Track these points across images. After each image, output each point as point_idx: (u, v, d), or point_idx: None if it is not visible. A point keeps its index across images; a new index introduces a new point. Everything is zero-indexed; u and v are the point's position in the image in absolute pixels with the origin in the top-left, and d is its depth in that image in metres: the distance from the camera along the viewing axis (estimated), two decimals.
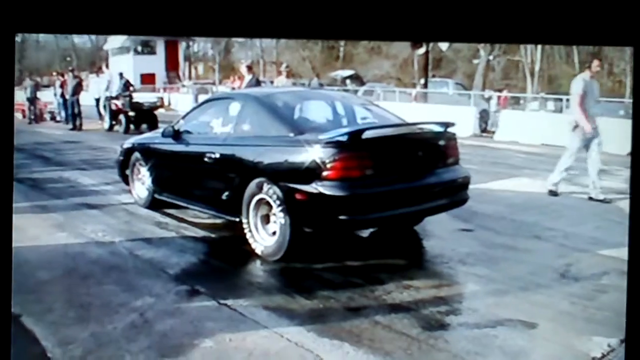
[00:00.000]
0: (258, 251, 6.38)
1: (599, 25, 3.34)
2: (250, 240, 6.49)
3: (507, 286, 5.69)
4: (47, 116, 21.54)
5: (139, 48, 32.14)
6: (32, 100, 20.70)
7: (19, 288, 5.61)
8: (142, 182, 8.47)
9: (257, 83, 15.51)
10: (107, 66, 20.45)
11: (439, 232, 7.42)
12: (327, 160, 5.88)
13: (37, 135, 17.21)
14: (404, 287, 5.58)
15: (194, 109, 8.31)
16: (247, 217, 6.51)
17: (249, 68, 16.09)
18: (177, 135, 7.72)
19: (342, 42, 40.12)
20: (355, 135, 6.02)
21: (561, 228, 7.60)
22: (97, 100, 19.40)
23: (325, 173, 5.87)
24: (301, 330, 4.67)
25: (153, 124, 18.64)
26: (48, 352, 4.43)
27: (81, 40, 40.96)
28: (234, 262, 6.34)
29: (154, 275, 5.87)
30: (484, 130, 18.72)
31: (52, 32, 3.28)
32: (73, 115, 19.26)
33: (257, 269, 6.16)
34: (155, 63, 32.14)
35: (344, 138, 5.97)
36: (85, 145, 14.19)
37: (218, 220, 7.43)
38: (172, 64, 33.41)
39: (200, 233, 7.27)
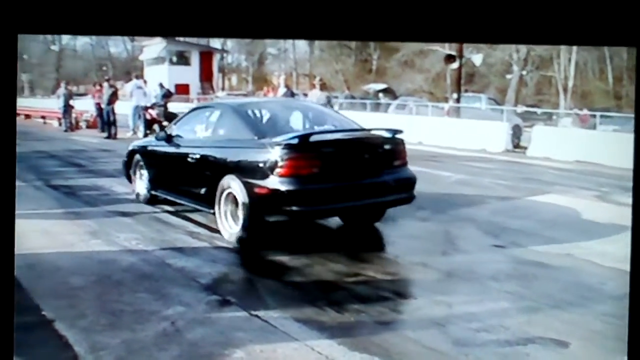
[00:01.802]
0: (226, 237, 7.40)
1: (601, 25, 3.32)
2: (220, 228, 7.54)
3: (539, 304, 5.64)
4: (82, 124, 21.78)
5: (174, 59, 32.50)
6: (66, 108, 20.93)
7: (52, 293, 5.70)
8: (142, 180, 9.53)
9: (291, 95, 15.59)
10: (137, 76, 20.59)
11: (470, 247, 7.40)
12: (280, 160, 6.91)
13: (72, 142, 17.44)
14: (435, 302, 5.57)
15: (183, 116, 9.38)
16: (219, 208, 7.55)
17: (283, 80, 16.23)
18: (169, 139, 8.81)
19: (375, 56, 40.22)
20: (304, 139, 7.08)
21: (593, 246, 7.52)
22: (136, 109, 19.60)
23: (278, 170, 6.90)
24: (332, 343, 4.66)
25: None
26: (80, 357, 4.47)
27: (117, 50, 41.53)
28: (265, 273, 6.35)
29: (186, 285, 5.91)
30: (516, 146, 18.59)
31: (54, 33, 3.27)
32: (108, 123, 19.47)
33: (288, 280, 6.17)
34: (190, 74, 32.45)
35: (295, 141, 7.03)
36: (119, 153, 14.27)
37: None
38: (206, 75, 33.69)
39: (232, 243, 7.30)
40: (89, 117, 21.66)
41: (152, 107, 19.11)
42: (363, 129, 8.04)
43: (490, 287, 6.10)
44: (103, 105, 19.65)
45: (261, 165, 7.04)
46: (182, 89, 30.74)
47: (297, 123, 8.44)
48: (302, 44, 41.99)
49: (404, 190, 7.67)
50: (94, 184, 11.15)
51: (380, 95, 30.33)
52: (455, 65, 25.05)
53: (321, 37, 3.62)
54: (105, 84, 20.32)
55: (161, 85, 20.12)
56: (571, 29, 3.32)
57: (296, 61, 41.08)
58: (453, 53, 25.91)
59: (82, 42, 41.52)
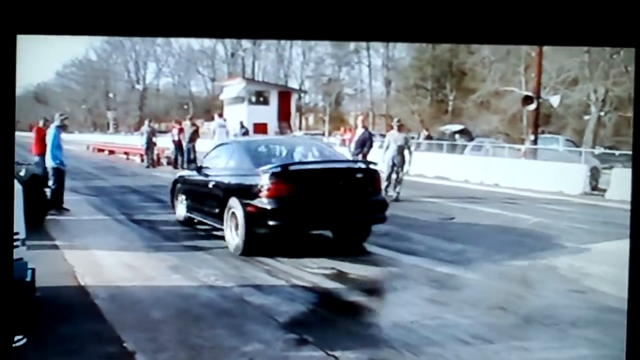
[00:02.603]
0: (231, 248, 8.96)
1: (601, 26, 3.28)
2: (227, 239, 9.12)
3: (619, 352, 5.53)
4: (163, 161, 22.26)
5: (253, 98, 33.01)
6: (149, 145, 21.42)
7: (134, 325, 5.86)
8: (182, 204, 11.21)
9: (369, 136, 15.67)
10: (219, 115, 20.99)
11: (548, 292, 7.29)
12: (265, 185, 8.62)
13: (153, 178, 17.82)
14: (513, 348, 5.51)
15: (210, 151, 11.21)
16: (226, 224, 9.19)
17: (361, 121, 16.32)
18: (199, 170, 10.64)
19: (451, 96, 40.09)
20: (284, 167, 8.85)
21: None
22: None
23: (264, 193, 8.62)
24: None
25: None
26: None
27: (198, 90, 42.41)
28: (342, 313, 6.39)
29: (264, 322, 5.98)
30: (594, 188, 18.20)
31: (53, 34, 3.26)
32: (189, 160, 19.86)
33: (365, 321, 6.19)
34: (268, 113, 32.87)
35: (277, 170, 8.77)
36: None
37: (327, 271, 7.58)
38: (284, 114, 34.06)
39: (310, 282, 7.36)
40: (170, 154, 22.14)
41: None
42: (345, 161, 10.83)
43: (569, 334, 6.01)
44: (184, 143, 20.06)
45: (253, 188, 8.79)
46: (261, 128, 31.14)
47: (297, 156, 10.20)
48: (379, 85, 42.20)
49: (375, 212, 9.23)
50: (174, 220, 11.40)
51: (457, 136, 30.15)
52: (532, 106, 24.77)
53: (322, 37, 3.63)
54: (187, 122, 20.78)
55: (241, 124, 20.52)
56: (571, 29, 3.30)
57: (373, 101, 41.25)
58: (530, 94, 25.66)
59: (165, 81, 42.56)
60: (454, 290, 7.33)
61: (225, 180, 9.63)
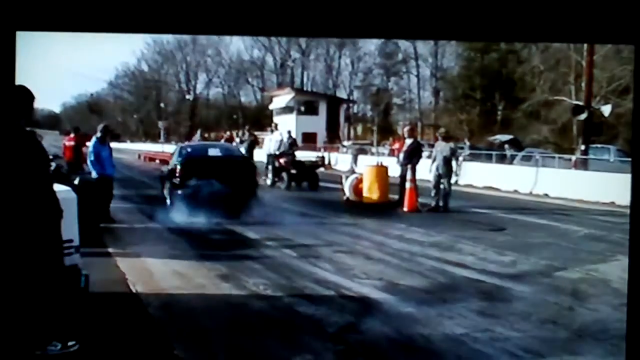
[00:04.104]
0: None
1: (599, 23, 3.21)
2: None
3: None
4: None
5: (302, 108, 33.24)
6: None
7: (185, 333, 5.93)
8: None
9: (418, 146, 15.64)
10: (276, 127, 21.22)
11: (602, 306, 7.18)
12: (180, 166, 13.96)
13: None
14: None
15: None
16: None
17: (411, 131, 16.29)
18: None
19: (500, 106, 39.78)
20: (185, 155, 14.53)
21: None
22: (269, 157, 20.16)
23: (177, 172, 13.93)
24: None
25: (314, 182, 19.12)
26: None
27: (247, 100, 42.84)
28: (392, 324, 6.36)
29: (314, 333, 5.99)
30: None
31: (53, 30, 3.25)
32: None
33: (415, 332, 6.16)
34: (317, 123, 33.09)
35: (183, 159, 14.25)
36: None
37: (377, 283, 7.61)
38: (332, 124, 34.25)
39: (360, 293, 7.37)
40: None
41: (281, 155, 19.60)
42: (233, 155, 16.03)
43: (623, 349, 5.90)
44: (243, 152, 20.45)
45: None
46: (310, 138, 31.32)
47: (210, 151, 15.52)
48: (427, 95, 42.07)
49: (246, 187, 13.86)
50: (225, 229, 11.50)
51: (506, 146, 29.92)
52: (583, 116, 24.47)
53: (322, 34, 3.60)
54: (246, 133, 21.11)
55: (289, 134, 20.66)
56: (570, 26, 3.25)
57: (421, 111, 41.19)
58: (581, 104, 25.36)
59: (215, 91, 43.03)
60: (504, 302, 7.27)
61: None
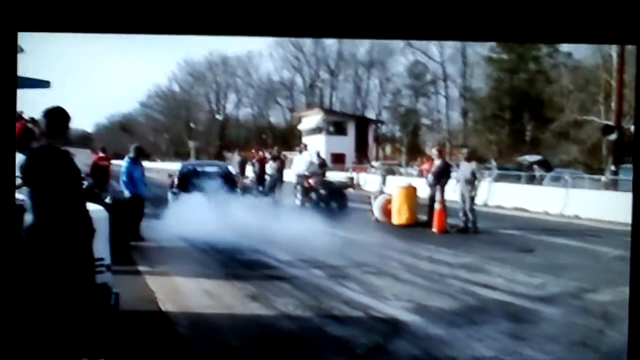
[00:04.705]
0: None
1: (602, 23, 3.20)
2: None
3: None
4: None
5: (331, 129, 33.29)
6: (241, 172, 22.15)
7: (212, 352, 5.97)
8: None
9: (446, 166, 15.61)
10: (306, 147, 21.32)
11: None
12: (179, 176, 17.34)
13: None
14: None
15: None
16: None
17: (439, 152, 16.26)
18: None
19: (528, 126, 39.52)
20: (184, 170, 17.96)
21: None
22: (298, 177, 20.30)
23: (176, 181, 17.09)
24: None
25: (342, 203, 19.12)
26: None
27: (276, 120, 43.01)
28: (420, 346, 6.35)
29: (342, 353, 6.00)
30: None
31: (54, 31, 3.26)
32: (270, 187, 20.38)
33: (443, 354, 6.14)
34: (346, 143, 33.11)
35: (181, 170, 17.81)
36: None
37: (406, 304, 7.59)
38: (361, 145, 34.23)
39: (388, 314, 7.37)
40: (249, 182, 22.58)
41: (310, 175, 19.65)
42: (221, 169, 18.64)
43: None
44: (270, 171, 20.72)
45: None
46: (339, 158, 31.34)
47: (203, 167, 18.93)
48: (456, 115, 41.98)
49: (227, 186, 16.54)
50: (255, 248, 11.52)
51: (535, 166, 29.69)
52: (613, 136, 24.23)
53: (323, 34, 3.60)
54: (275, 153, 21.37)
55: (318, 154, 20.74)
56: (572, 27, 3.24)
57: (450, 132, 41.05)
58: (611, 123, 25.13)
59: (244, 111, 43.28)
60: (533, 324, 7.22)
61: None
